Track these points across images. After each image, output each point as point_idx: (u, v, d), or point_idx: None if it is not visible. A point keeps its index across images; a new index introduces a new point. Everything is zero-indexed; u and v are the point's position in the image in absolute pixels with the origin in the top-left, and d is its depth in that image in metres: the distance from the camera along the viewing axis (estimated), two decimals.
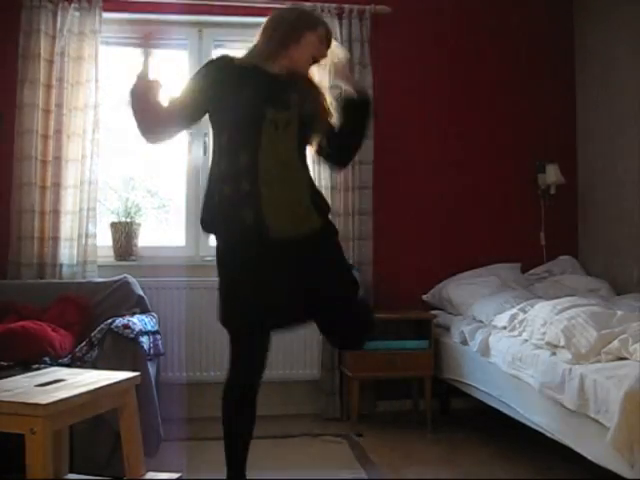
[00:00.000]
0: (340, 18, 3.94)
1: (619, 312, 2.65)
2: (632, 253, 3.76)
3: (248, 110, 2.13)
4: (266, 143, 2.11)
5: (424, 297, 4.02)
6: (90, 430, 2.60)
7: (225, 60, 2.30)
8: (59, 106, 3.68)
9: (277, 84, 2.20)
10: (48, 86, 3.67)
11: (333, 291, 2.21)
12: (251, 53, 2.30)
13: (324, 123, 2.26)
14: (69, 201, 3.67)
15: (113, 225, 3.83)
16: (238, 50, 4.14)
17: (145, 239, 3.92)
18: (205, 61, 3.93)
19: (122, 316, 3.01)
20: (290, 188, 2.16)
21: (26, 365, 2.76)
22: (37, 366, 2.73)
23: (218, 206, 2.15)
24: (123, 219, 3.85)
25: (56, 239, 3.65)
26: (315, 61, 2.28)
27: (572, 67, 4.34)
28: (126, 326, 2.83)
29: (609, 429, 2.08)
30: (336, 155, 2.38)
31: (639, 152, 3.73)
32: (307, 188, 2.22)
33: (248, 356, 2.18)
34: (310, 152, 2.34)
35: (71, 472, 2.42)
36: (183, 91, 2.28)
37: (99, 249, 3.74)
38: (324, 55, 2.29)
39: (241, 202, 2.11)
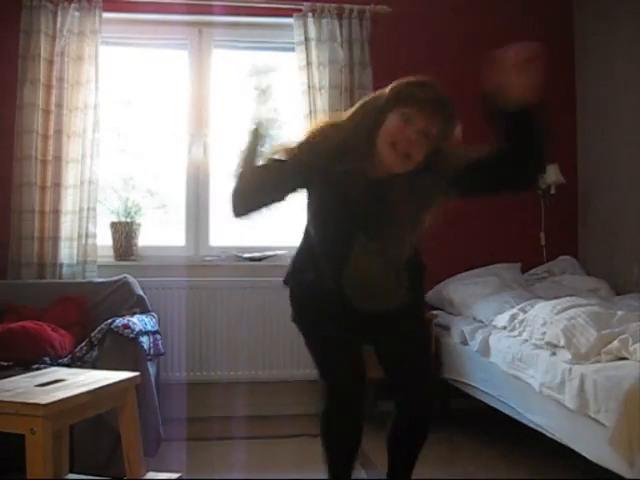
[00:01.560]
0: (340, 18, 3.93)
1: (619, 312, 2.65)
2: (632, 253, 3.76)
3: (339, 226, 1.87)
4: (354, 264, 1.89)
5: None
6: (90, 430, 2.60)
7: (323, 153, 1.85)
8: (59, 106, 3.68)
9: (372, 202, 1.84)
10: (48, 86, 3.67)
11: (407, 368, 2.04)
12: (339, 141, 1.85)
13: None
14: (69, 201, 3.67)
15: (113, 225, 3.83)
16: (237, 51, 4.20)
17: (145, 239, 3.92)
18: (205, 63, 4.00)
19: (122, 316, 3.01)
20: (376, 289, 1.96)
21: (26, 365, 2.76)
22: (37, 366, 2.74)
23: (306, 279, 2.01)
24: (123, 219, 3.85)
25: (56, 239, 3.65)
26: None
27: (572, 66, 4.34)
28: (126, 326, 2.83)
29: (609, 429, 2.08)
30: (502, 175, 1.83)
31: (639, 152, 3.73)
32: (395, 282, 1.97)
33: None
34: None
35: (71, 472, 2.41)
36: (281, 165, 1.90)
37: (99, 249, 3.74)
38: (407, 138, 1.74)
39: (327, 292, 1.95)
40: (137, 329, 2.86)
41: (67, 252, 3.66)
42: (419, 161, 1.78)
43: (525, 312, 3.03)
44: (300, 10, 3.92)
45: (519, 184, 1.88)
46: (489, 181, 1.87)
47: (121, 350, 2.77)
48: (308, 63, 3.87)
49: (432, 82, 1.81)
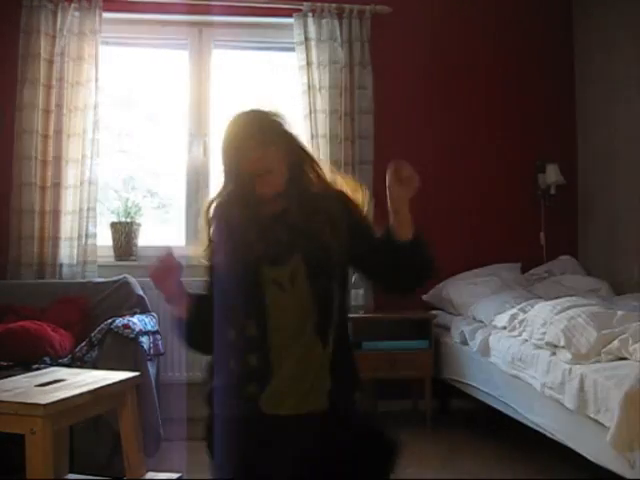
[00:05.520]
0: (340, 18, 3.93)
1: (619, 312, 2.65)
2: (632, 253, 3.76)
3: (242, 272, 1.65)
4: (273, 309, 1.63)
5: (424, 297, 4.01)
6: (90, 430, 2.60)
7: (217, 206, 1.70)
8: (59, 106, 3.68)
9: (266, 226, 1.66)
10: (48, 86, 3.67)
11: None
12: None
13: (345, 249, 1.63)
14: (69, 201, 3.67)
15: (113, 225, 3.83)
16: (237, 51, 4.20)
17: (145, 239, 3.91)
18: (205, 63, 4.00)
19: (122, 316, 3.01)
20: (304, 367, 1.62)
21: (26, 365, 2.76)
22: (37, 366, 2.74)
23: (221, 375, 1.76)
24: (123, 219, 3.85)
25: (56, 239, 3.65)
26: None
27: (572, 66, 4.34)
28: (126, 326, 2.83)
29: (609, 429, 2.08)
30: (391, 277, 1.73)
31: (639, 152, 3.73)
32: (325, 367, 1.62)
33: None
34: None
35: (71, 472, 2.42)
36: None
37: (99, 249, 3.73)
38: (253, 168, 1.58)
39: (248, 376, 1.66)
40: (137, 329, 2.85)
41: (67, 252, 3.66)
42: (278, 175, 1.63)
43: (525, 312, 3.03)
44: (300, 10, 3.92)
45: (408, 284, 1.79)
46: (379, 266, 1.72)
47: (121, 350, 2.77)
48: (308, 63, 3.87)
49: (244, 113, 1.70)
